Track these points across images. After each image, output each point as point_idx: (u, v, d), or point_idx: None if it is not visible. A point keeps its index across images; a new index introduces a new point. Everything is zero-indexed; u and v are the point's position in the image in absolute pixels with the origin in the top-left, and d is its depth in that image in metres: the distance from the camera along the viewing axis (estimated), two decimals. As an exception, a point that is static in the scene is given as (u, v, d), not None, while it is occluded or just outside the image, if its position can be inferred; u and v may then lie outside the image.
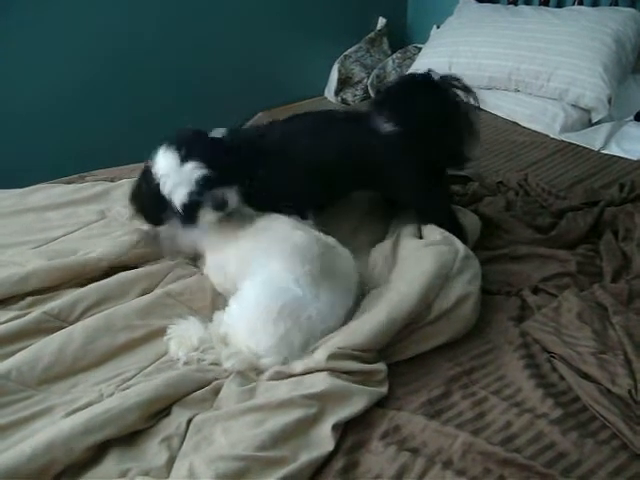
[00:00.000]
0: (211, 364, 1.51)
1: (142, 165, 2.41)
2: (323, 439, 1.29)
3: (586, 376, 1.46)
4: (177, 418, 1.37)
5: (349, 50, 3.83)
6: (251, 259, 1.64)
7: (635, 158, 2.55)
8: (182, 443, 1.32)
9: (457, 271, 1.65)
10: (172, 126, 3.21)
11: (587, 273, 1.84)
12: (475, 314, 1.64)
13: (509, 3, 3.43)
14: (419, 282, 1.59)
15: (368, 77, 3.74)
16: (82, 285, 1.75)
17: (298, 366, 1.45)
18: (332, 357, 1.43)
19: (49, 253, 1.89)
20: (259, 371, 1.48)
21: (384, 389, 1.43)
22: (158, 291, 1.72)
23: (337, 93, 3.77)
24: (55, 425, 1.30)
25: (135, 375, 1.50)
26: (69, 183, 2.33)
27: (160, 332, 1.61)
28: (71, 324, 1.61)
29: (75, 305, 1.65)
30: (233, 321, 1.54)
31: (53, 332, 1.57)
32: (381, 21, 3.96)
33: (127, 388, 1.43)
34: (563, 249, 1.93)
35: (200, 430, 1.32)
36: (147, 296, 1.70)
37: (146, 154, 2.52)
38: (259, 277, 1.58)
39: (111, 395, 1.42)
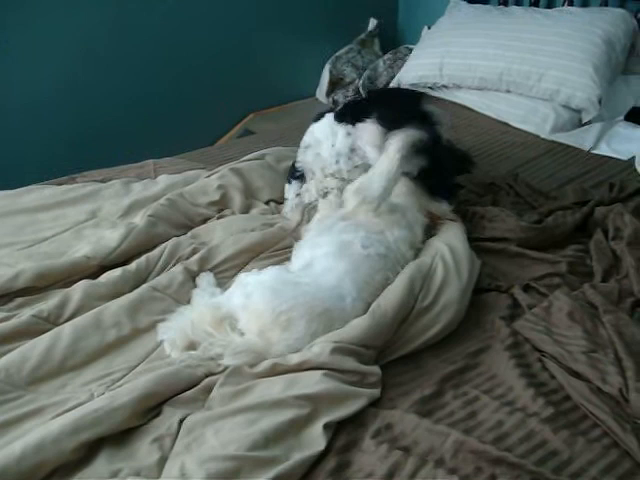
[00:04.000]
0: (204, 359, 1.50)
1: (132, 166, 2.43)
2: (315, 439, 1.29)
3: (577, 375, 1.47)
4: (168, 418, 1.36)
5: (340, 51, 3.84)
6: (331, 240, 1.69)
7: (625, 158, 2.57)
8: (173, 443, 1.31)
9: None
10: (163, 127, 3.25)
11: (577, 273, 1.84)
12: (463, 303, 1.66)
13: (500, 4, 3.44)
14: (402, 276, 1.65)
15: (359, 78, 3.73)
16: (72, 285, 1.74)
17: (294, 358, 1.46)
18: (330, 352, 1.44)
19: (39, 254, 1.89)
20: (254, 364, 1.47)
21: (377, 391, 1.43)
22: (145, 286, 1.73)
23: (328, 94, 3.77)
24: (44, 425, 1.29)
25: (125, 375, 1.49)
26: (60, 184, 2.32)
27: (148, 329, 1.62)
28: (60, 326, 1.60)
29: (64, 307, 1.65)
30: (257, 304, 1.53)
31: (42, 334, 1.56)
32: (372, 22, 3.96)
33: (117, 388, 1.42)
34: (550, 247, 1.95)
35: (191, 430, 1.32)
36: (134, 292, 1.70)
37: (136, 155, 2.54)
38: (318, 269, 1.62)
39: (101, 395, 1.41)
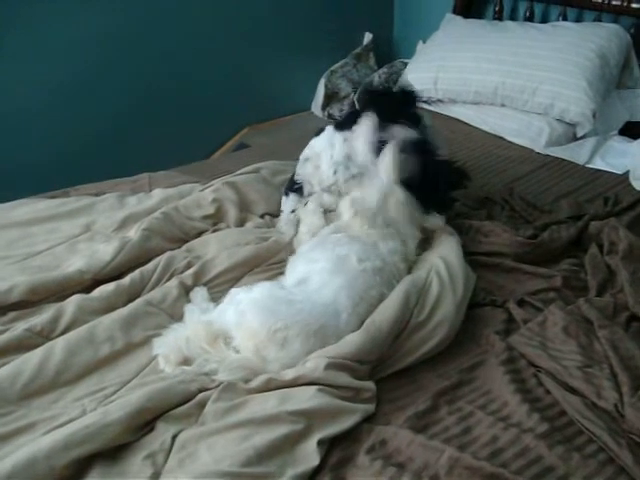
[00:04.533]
0: (198, 375, 1.49)
1: (127, 180, 2.43)
2: (309, 454, 1.29)
3: (572, 390, 1.47)
4: (162, 434, 1.36)
5: (335, 65, 3.83)
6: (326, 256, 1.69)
7: (620, 172, 2.57)
8: (167, 459, 1.30)
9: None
10: (157, 141, 3.25)
11: (572, 287, 1.84)
12: (458, 318, 1.65)
13: (494, 19, 3.45)
14: (397, 291, 1.64)
15: (355, 92, 3.74)
16: (65, 299, 1.73)
17: (289, 374, 1.45)
18: (324, 367, 1.43)
19: (32, 268, 1.88)
20: (248, 379, 1.47)
21: (372, 407, 1.43)
22: (139, 300, 1.72)
23: (324, 108, 3.77)
24: (35, 442, 1.28)
25: (117, 390, 1.49)
26: (53, 198, 2.31)
27: (142, 344, 1.61)
28: (54, 341, 1.59)
29: (57, 321, 1.64)
30: (251, 322, 1.52)
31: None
32: (367, 36, 3.97)
33: (110, 403, 1.41)
34: (546, 262, 1.95)
35: (185, 446, 1.31)
36: (128, 306, 1.69)
37: (131, 169, 2.53)
38: (314, 285, 1.62)
39: (94, 411, 1.40)
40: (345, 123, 2.02)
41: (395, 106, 1.98)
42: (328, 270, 1.64)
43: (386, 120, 1.91)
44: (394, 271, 1.71)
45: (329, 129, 2.06)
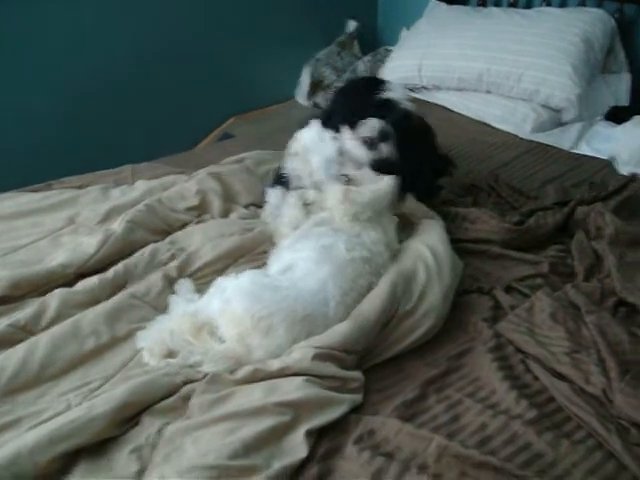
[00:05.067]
0: (183, 367, 1.48)
1: (110, 172, 2.40)
2: (296, 446, 1.28)
3: (560, 376, 1.46)
4: (147, 428, 1.34)
5: (320, 53, 3.82)
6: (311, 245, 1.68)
7: (605, 157, 2.57)
8: (153, 453, 1.29)
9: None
10: (141, 132, 3.22)
11: (559, 273, 1.84)
12: (446, 306, 1.65)
13: (478, 5, 3.44)
14: (384, 280, 1.63)
15: (339, 80, 3.72)
16: (49, 293, 1.71)
17: (275, 364, 1.44)
18: (311, 358, 1.42)
19: (15, 262, 1.86)
20: (234, 370, 1.45)
21: (359, 397, 1.42)
22: (123, 293, 1.70)
23: (309, 97, 3.75)
24: (20, 437, 1.27)
25: (103, 384, 1.47)
26: (36, 191, 2.28)
27: (127, 337, 1.59)
28: (37, 335, 1.57)
29: (41, 315, 1.62)
30: (236, 310, 1.51)
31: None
32: (351, 24, 3.94)
33: (95, 398, 1.39)
34: (532, 248, 1.95)
35: (171, 440, 1.29)
36: (112, 299, 1.67)
37: (115, 160, 2.51)
38: (300, 273, 1.60)
39: (79, 405, 1.38)
40: (331, 119, 2.00)
41: (365, 96, 1.96)
42: (314, 259, 1.63)
43: (359, 112, 1.91)
44: (380, 261, 1.70)
45: (316, 123, 2.03)
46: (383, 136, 1.88)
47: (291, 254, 1.69)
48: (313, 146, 1.97)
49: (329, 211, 1.78)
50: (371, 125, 1.88)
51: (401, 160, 1.89)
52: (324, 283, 1.57)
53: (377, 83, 1.98)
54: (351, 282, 1.60)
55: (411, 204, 1.91)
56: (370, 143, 1.89)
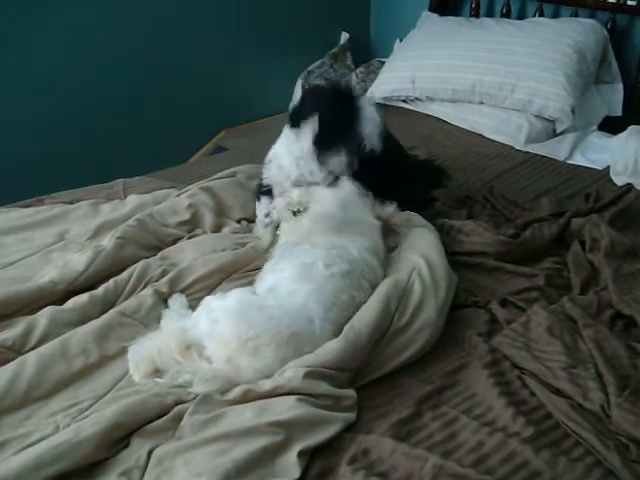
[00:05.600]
0: (173, 387, 1.45)
1: (102, 186, 2.38)
2: (289, 466, 1.25)
3: (557, 391, 1.44)
4: (137, 450, 1.31)
5: (312, 66, 3.80)
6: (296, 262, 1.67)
7: (600, 168, 2.56)
8: (142, 476, 1.26)
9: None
10: (133, 146, 3.20)
11: (555, 286, 1.82)
12: (440, 321, 1.62)
13: (471, 15, 3.43)
14: (378, 293, 1.61)
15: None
16: (38, 311, 1.69)
17: (267, 384, 1.42)
18: (303, 377, 1.40)
19: (4, 279, 1.84)
20: (225, 391, 1.43)
21: (353, 415, 1.40)
22: (113, 310, 1.68)
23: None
24: (5, 462, 1.24)
25: (92, 405, 1.44)
26: (27, 206, 2.26)
27: (116, 356, 1.57)
28: (26, 355, 1.55)
29: (29, 334, 1.59)
30: (223, 331, 1.49)
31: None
32: (344, 36, 3.94)
33: (84, 419, 1.37)
34: (528, 260, 1.93)
35: (161, 462, 1.27)
36: (102, 318, 1.65)
37: (107, 175, 2.49)
38: (283, 290, 1.59)
39: (67, 427, 1.35)
40: (294, 120, 2.01)
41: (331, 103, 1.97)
42: (295, 278, 1.61)
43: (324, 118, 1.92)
44: (365, 270, 1.68)
45: (285, 129, 2.06)
46: (348, 169, 1.92)
47: (274, 274, 1.68)
48: (284, 149, 2.01)
49: (306, 233, 1.77)
50: (338, 161, 1.91)
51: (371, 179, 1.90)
52: (307, 301, 1.55)
53: (347, 99, 1.98)
54: (332, 298, 1.58)
55: (389, 210, 1.90)
56: (336, 177, 1.92)
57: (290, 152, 1.99)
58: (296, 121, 1.99)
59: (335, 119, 1.93)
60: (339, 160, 1.90)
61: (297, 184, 1.96)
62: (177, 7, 3.22)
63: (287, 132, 2.04)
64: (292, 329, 1.49)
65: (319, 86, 2.29)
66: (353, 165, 1.90)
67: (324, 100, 2.03)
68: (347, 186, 1.83)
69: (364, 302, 1.61)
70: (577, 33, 2.89)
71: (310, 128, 1.92)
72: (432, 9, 3.52)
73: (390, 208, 1.91)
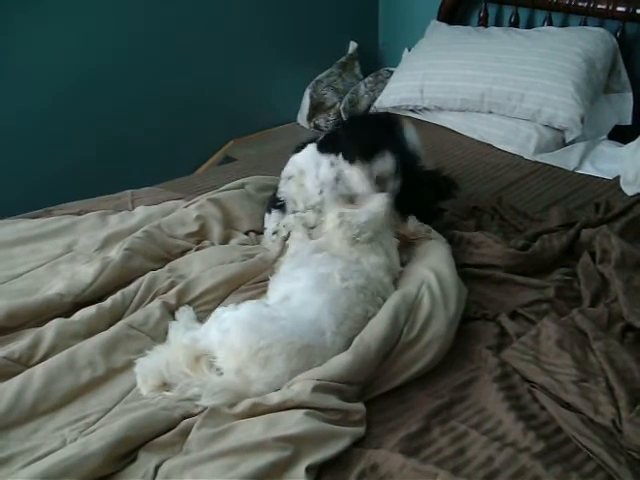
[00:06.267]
0: (181, 400, 1.44)
1: (110, 197, 2.38)
2: (297, 482, 1.24)
3: (568, 406, 1.43)
4: (144, 464, 1.30)
5: (321, 75, 3.81)
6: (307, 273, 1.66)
7: (610, 177, 2.55)
8: (150, 491, 1.25)
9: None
10: (143, 156, 3.21)
11: (566, 298, 1.81)
12: (450, 335, 1.61)
13: (479, 25, 3.43)
14: (386, 307, 1.60)
15: (340, 102, 3.71)
16: (45, 323, 1.68)
17: (275, 397, 1.40)
18: (311, 390, 1.39)
19: (12, 291, 1.84)
20: (233, 404, 1.41)
21: (362, 429, 1.39)
22: (120, 323, 1.67)
23: (310, 119, 3.74)
24: (12, 476, 1.23)
25: (99, 418, 1.43)
26: (35, 217, 2.26)
27: (124, 369, 1.56)
28: (33, 368, 1.54)
29: (36, 347, 1.58)
30: (234, 341, 1.48)
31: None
32: (352, 45, 3.94)
33: (91, 433, 1.36)
34: (538, 272, 1.92)
35: (168, 477, 1.26)
36: (109, 330, 1.64)
37: (115, 186, 2.49)
38: (296, 302, 1.58)
39: (74, 441, 1.35)
40: (329, 144, 1.99)
41: (376, 132, 1.95)
42: (310, 288, 1.60)
43: (367, 146, 1.89)
44: (379, 287, 1.67)
45: (311, 147, 2.03)
46: (393, 176, 1.88)
47: (289, 283, 1.67)
48: (309, 170, 1.97)
49: (326, 236, 1.76)
50: (384, 165, 1.87)
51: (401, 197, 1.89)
52: (320, 313, 1.54)
53: (392, 123, 1.97)
54: (346, 310, 1.57)
55: (413, 224, 1.90)
56: (378, 180, 1.88)
57: (316, 176, 1.97)
58: (329, 141, 1.99)
59: (377, 128, 1.96)
60: (389, 161, 1.87)
61: (313, 209, 1.95)
62: (185, 18, 3.22)
63: (313, 151, 2.02)
64: (304, 341, 1.48)
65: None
66: (398, 174, 1.89)
67: (363, 119, 2.04)
68: (381, 200, 1.81)
69: None
70: (586, 42, 2.88)
71: (349, 143, 1.92)
72: (440, 18, 3.52)
73: (413, 223, 1.90)
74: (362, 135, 1.94)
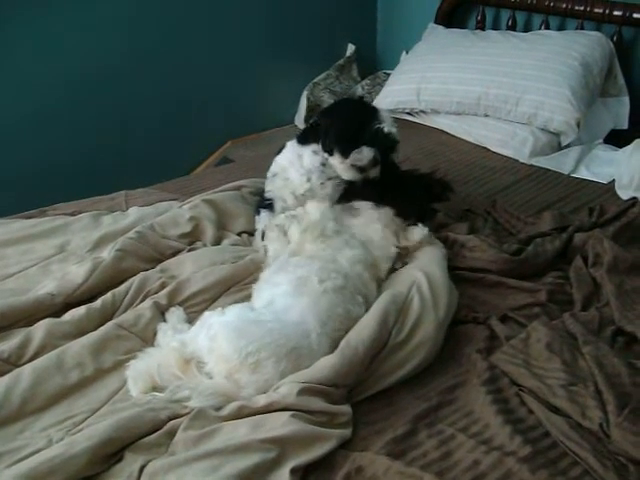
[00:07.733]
0: (171, 402, 1.44)
1: (104, 198, 2.38)
2: (281, 484, 1.23)
3: (556, 410, 1.42)
4: (129, 465, 1.30)
5: (318, 77, 3.80)
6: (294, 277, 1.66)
7: (605, 181, 2.55)
8: (134, 492, 1.25)
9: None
10: (139, 157, 3.20)
11: (557, 301, 1.81)
12: (439, 338, 1.61)
13: (476, 28, 3.43)
14: (375, 308, 1.60)
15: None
16: (35, 323, 1.68)
17: (261, 400, 1.40)
18: (297, 393, 1.38)
19: (4, 291, 1.84)
20: (219, 407, 1.41)
21: (348, 432, 1.38)
22: (109, 323, 1.67)
23: (307, 121, 3.73)
24: (-4, 477, 1.23)
25: (86, 418, 1.43)
26: (29, 218, 2.25)
27: (113, 369, 1.56)
28: (22, 367, 1.54)
29: (26, 347, 1.58)
30: (222, 347, 1.47)
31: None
32: (350, 47, 3.94)
33: (78, 432, 1.36)
34: (531, 275, 1.91)
35: (153, 477, 1.25)
36: (98, 330, 1.64)
37: (110, 186, 2.48)
38: (279, 305, 1.59)
39: (61, 441, 1.34)
40: (308, 136, 2.02)
41: (351, 120, 1.96)
42: (290, 293, 1.61)
43: (343, 137, 1.92)
44: (358, 285, 1.67)
45: (290, 144, 2.08)
46: (372, 164, 1.90)
47: (270, 289, 1.67)
48: (292, 163, 2.01)
49: (297, 244, 1.78)
50: (364, 154, 1.88)
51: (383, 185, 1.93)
52: (303, 315, 1.54)
53: (368, 111, 1.97)
54: (328, 312, 1.57)
55: (420, 233, 1.89)
56: (360, 169, 1.90)
57: (300, 165, 2.00)
58: (309, 133, 2.02)
59: (352, 116, 1.96)
60: (365, 152, 1.88)
61: (302, 199, 1.97)
62: (183, 19, 3.22)
63: (294, 145, 2.05)
64: (291, 343, 1.47)
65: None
66: (378, 159, 1.90)
67: (337, 107, 2.10)
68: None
69: (360, 316, 1.60)
70: (583, 46, 2.88)
71: (326, 135, 1.94)
72: (438, 21, 3.52)
73: (420, 232, 1.89)
74: (338, 125, 1.94)
